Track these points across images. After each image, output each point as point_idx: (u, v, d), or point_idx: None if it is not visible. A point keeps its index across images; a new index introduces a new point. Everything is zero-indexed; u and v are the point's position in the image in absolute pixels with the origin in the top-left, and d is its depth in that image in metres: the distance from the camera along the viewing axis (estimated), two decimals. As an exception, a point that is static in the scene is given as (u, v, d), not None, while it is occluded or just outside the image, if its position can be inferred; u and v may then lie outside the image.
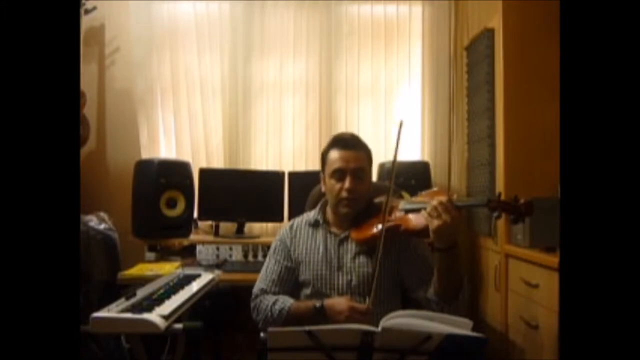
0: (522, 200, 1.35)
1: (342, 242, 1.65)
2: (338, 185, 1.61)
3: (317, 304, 1.52)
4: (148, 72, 2.87)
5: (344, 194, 1.60)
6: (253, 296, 1.69)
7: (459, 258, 1.47)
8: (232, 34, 2.89)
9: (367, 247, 1.60)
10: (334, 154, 1.64)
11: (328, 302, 1.51)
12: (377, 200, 1.69)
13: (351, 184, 1.60)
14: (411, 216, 1.53)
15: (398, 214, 1.56)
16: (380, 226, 1.54)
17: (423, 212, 1.45)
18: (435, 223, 1.37)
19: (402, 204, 1.58)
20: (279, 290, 1.67)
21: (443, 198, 1.40)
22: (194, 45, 2.88)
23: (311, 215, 1.75)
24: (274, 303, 1.60)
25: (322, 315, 1.49)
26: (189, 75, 2.89)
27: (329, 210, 1.72)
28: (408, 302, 1.66)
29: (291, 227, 1.76)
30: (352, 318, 1.42)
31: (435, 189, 1.66)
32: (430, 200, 1.45)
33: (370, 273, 1.56)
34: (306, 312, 1.54)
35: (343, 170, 1.61)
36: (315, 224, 1.72)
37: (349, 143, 1.65)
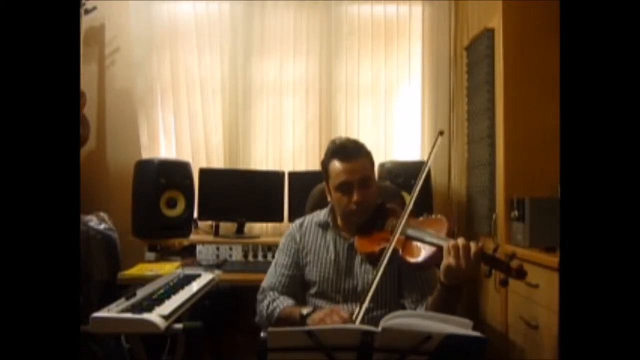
0: (514, 264, 1.27)
1: (351, 246, 1.64)
2: (345, 199, 1.58)
3: (305, 311, 1.49)
4: (148, 72, 2.87)
5: (352, 206, 1.57)
6: (260, 290, 1.69)
7: (459, 296, 1.39)
8: (232, 34, 2.89)
9: (369, 257, 1.59)
10: (337, 166, 1.59)
11: (315, 313, 1.49)
12: (388, 205, 1.65)
13: (359, 197, 1.55)
14: (413, 244, 1.46)
15: (400, 236, 1.48)
16: (382, 245, 1.51)
17: (426, 245, 1.40)
18: (449, 261, 1.30)
19: (407, 228, 1.49)
20: (288, 284, 1.66)
21: (472, 244, 1.30)
22: (194, 45, 2.88)
23: (321, 216, 1.73)
24: (273, 301, 1.61)
25: (305, 317, 1.47)
26: (189, 75, 2.89)
27: (337, 215, 1.70)
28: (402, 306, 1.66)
29: (301, 225, 1.74)
30: (330, 319, 1.39)
31: (438, 216, 1.57)
32: (439, 234, 1.40)
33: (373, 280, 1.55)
34: (293, 317, 1.52)
35: (349, 184, 1.56)
36: (325, 226, 1.70)
37: (351, 152, 1.59)
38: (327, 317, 1.41)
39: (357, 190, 1.56)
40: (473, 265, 1.29)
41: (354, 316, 1.40)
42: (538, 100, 2.06)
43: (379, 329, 1.08)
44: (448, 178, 2.90)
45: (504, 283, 1.32)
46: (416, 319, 1.14)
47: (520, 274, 1.27)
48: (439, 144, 1.55)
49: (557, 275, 1.59)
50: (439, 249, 1.36)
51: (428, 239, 1.42)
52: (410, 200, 1.54)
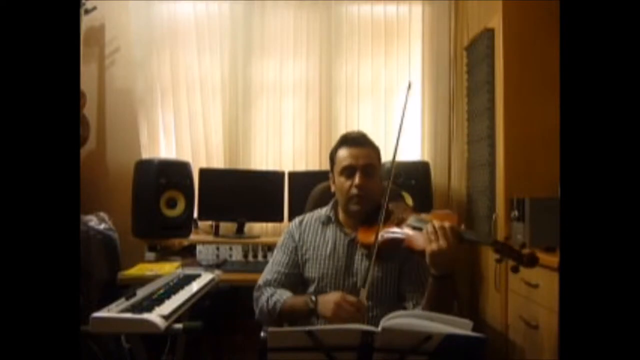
0: (526, 251, 1.29)
1: (351, 241, 1.64)
2: (348, 183, 1.60)
3: (312, 298, 1.51)
4: (148, 72, 2.87)
5: (354, 190, 1.59)
6: (256, 287, 1.69)
7: (452, 288, 1.42)
8: (232, 34, 2.89)
9: (370, 251, 1.59)
10: (343, 152, 1.63)
11: (322, 297, 1.51)
12: (391, 206, 1.66)
13: (361, 181, 1.58)
14: (418, 234, 1.48)
15: (405, 227, 1.52)
16: (385, 234, 1.53)
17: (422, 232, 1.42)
18: (431, 246, 1.34)
19: (412, 219, 1.54)
20: (284, 281, 1.67)
21: (446, 223, 1.35)
22: (194, 45, 2.88)
23: (322, 212, 1.73)
24: (272, 295, 1.61)
25: (314, 310, 1.49)
26: (189, 75, 2.89)
27: (340, 209, 1.71)
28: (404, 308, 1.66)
29: (301, 222, 1.75)
30: (342, 309, 1.40)
31: (447, 211, 1.61)
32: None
33: (374, 277, 1.55)
34: (300, 306, 1.53)
35: (352, 167, 1.60)
36: (326, 221, 1.71)
37: (358, 140, 1.64)
38: (339, 309, 1.41)
39: (360, 174, 1.59)
40: (454, 244, 1.33)
41: (360, 296, 1.43)
42: (538, 100, 2.06)
43: (379, 329, 1.08)
44: (448, 178, 2.89)
45: (515, 270, 1.33)
46: (416, 319, 1.15)
47: (532, 261, 1.28)
48: (409, 96, 1.62)
49: (557, 275, 1.59)
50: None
51: (418, 224, 1.46)
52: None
